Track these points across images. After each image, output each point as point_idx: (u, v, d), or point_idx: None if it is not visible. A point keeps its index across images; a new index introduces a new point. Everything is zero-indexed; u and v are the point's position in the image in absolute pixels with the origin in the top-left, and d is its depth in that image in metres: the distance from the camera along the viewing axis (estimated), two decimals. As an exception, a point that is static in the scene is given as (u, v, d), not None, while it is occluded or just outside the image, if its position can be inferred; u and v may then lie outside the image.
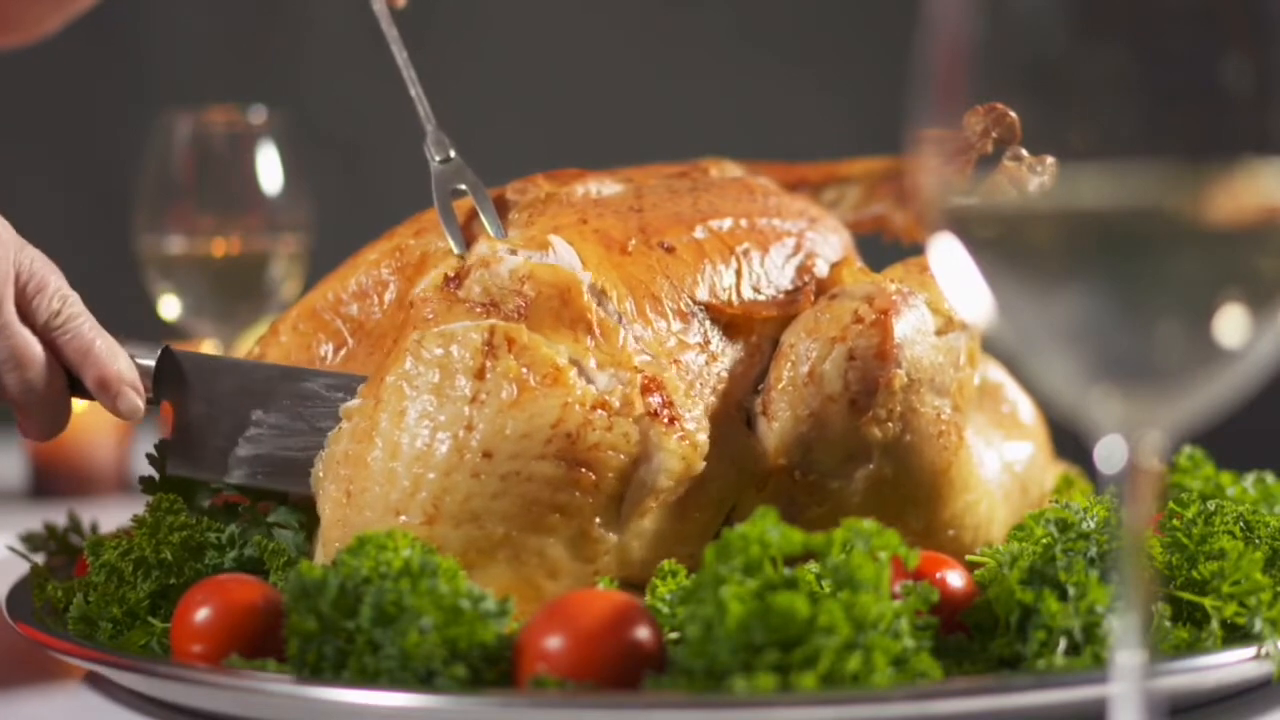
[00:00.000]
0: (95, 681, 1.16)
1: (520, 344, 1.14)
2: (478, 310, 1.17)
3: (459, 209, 1.27)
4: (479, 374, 1.13)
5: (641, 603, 1.05)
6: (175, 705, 1.09)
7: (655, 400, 1.14)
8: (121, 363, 1.18)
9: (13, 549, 1.37)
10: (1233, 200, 0.72)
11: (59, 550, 1.37)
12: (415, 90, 1.31)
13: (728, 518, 1.19)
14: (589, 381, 1.14)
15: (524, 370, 1.13)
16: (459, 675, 0.99)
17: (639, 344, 1.17)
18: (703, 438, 1.15)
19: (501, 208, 1.27)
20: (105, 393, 1.18)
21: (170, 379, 1.21)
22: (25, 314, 1.16)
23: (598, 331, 1.16)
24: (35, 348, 1.16)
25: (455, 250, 1.23)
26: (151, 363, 1.20)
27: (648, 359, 1.16)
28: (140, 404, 1.19)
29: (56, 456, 1.96)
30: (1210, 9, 0.73)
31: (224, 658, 1.06)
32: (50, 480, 1.98)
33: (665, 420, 1.14)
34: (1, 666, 1.21)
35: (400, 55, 1.31)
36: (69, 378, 1.18)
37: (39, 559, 1.36)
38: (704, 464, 1.15)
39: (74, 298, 1.17)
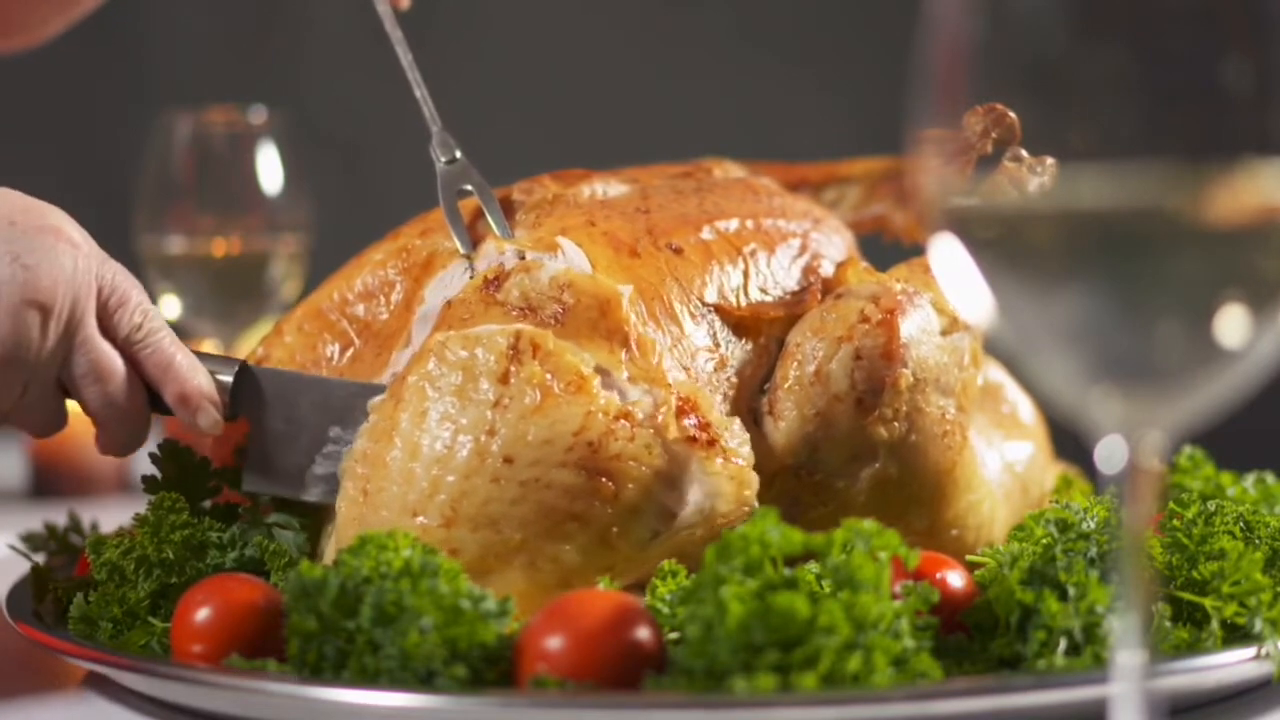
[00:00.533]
0: (96, 681, 1.16)
1: (545, 350, 1.13)
2: (513, 314, 1.17)
3: (464, 209, 1.27)
4: (503, 378, 1.13)
5: (641, 603, 1.05)
6: (175, 705, 1.09)
7: (691, 423, 1.13)
8: (201, 378, 1.18)
9: (13, 549, 1.37)
10: (1233, 200, 0.72)
11: (59, 550, 1.37)
12: (420, 92, 1.31)
13: (728, 517, 1.18)
14: (615, 392, 1.14)
15: (548, 376, 1.13)
16: (459, 675, 0.99)
17: (674, 358, 1.16)
18: (747, 450, 1.15)
19: (508, 208, 1.27)
20: (185, 408, 1.18)
21: (248, 395, 1.20)
22: (107, 328, 1.16)
23: (634, 346, 1.15)
24: (116, 362, 1.16)
25: (461, 250, 1.23)
26: (230, 379, 1.20)
27: (683, 377, 1.16)
28: (220, 419, 1.19)
29: (56, 456, 1.96)
30: (1210, 9, 0.73)
31: (224, 658, 1.06)
32: (50, 480, 1.98)
33: (704, 443, 1.13)
34: (1, 666, 1.21)
35: (405, 57, 1.31)
36: (149, 392, 1.18)
37: (39, 559, 1.36)
38: (757, 478, 1.15)
39: (155, 312, 1.18)
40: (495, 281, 1.19)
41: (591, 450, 1.11)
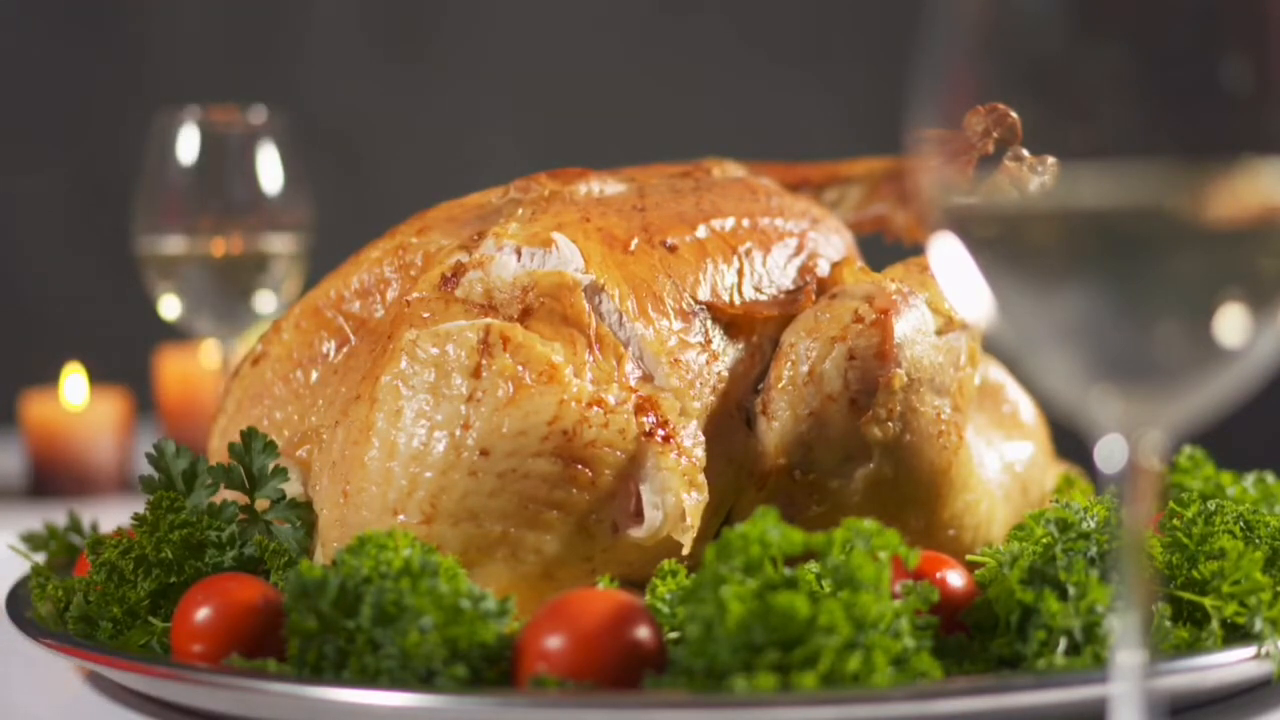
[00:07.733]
0: (95, 681, 1.16)
1: (515, 342, 1.14)
2: (475, 311, 1.17)
3: (463, 208, 1.27)
4: (475, 373, 1.13)
5: (641, 603, 1.05)
6: (175, 705, 1.09)
7: (650, 420, 1.14)
8: None
9: (13, 549, 1.37)
10: (1233, 200, 0.72)
11: (59, 550, 1.37)
12: None
13: (727, 517, 1.19)
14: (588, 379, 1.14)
15: (520, 368, 1.13)
16: (459, 675, 0.99)
17: (637, 353, 1.17)
18: (700, 453, 1.15)
19: (506, 206, 1.27)
20: None
21: None
22: None
23: (595, 346, 1.16)
24: None
25: None
26: None
27: (641, 375, 1.16)
28: None
29: (56, 456, 1.96)
30: (1210, 9, 0.73)
31: (224, 658, 1.06)
32: (50, 480, 1.98)
33: (660, 439, 1.14)
34: (1, 666, 1.21)
35: None
36: None
37: (39, 559, 1.36)
38: (704, 479, 1.15)
39: None
40: (452, 279, 1.19)
41: (567, 439, 1.12)
